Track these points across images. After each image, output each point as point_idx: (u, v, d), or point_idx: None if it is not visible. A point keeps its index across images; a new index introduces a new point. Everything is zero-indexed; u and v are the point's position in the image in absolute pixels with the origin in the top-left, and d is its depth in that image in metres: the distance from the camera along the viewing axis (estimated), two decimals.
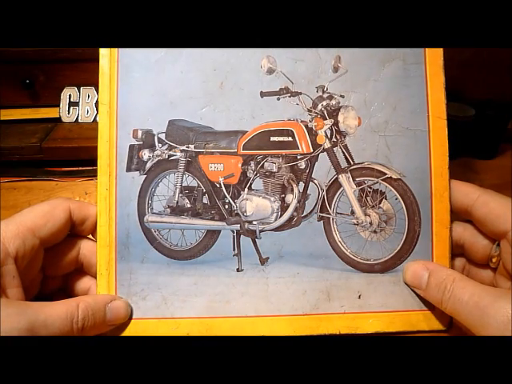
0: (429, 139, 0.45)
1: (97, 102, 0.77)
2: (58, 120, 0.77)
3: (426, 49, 0.46)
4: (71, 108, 0.77)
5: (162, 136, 0.49)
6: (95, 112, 0.77)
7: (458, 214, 0.45)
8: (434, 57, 0.45)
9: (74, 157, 0.71)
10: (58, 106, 0.77)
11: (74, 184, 0.69)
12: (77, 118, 0.77)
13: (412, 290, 0.44)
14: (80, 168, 0.71)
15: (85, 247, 0.44)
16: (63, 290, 0.46)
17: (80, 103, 0.77)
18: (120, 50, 0.47)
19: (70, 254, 0.44)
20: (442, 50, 0.45)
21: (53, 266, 0.43)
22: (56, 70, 0.77)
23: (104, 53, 0.47)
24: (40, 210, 0.41)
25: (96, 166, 0.68)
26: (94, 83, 0.76)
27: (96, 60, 0.72)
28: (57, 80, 0.77)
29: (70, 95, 0.78)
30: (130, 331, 0.42)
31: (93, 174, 0.69)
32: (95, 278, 0.44)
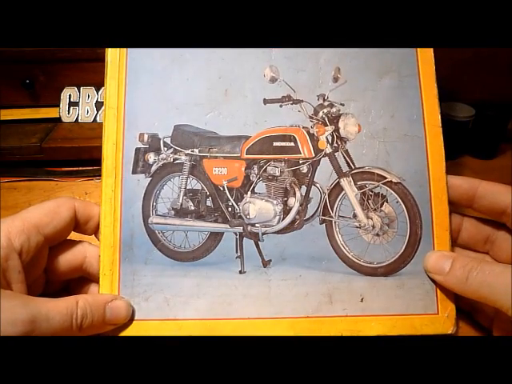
0: (426, 145, 0.47)
1: (97, 101, 0.78)
2: (58, 120, 0.77)
3: (419, 62, 0.49)
4: (71, 108, 0.78)
5: (168, 140, 0.50)
6: (95, 112, 0.78)
7: (458, 205, 0.47)
8: (427, 69, 0.48)
9: (74, 157, 0.71)
10: (58, 106, 0.78)
11: (74, 184, 0.69)
12: (77, 118, 0.77)
13: (417, 293, 0.44)
14: (80, 168, 0.72)
15: (91, 255, 0.44)
16: (67, 292, 0.46)
17: (80, 103, 0.78)
18: (128, 56, 0.48)
19: (74, 260, 0.44)
20: (433, 63, 0.49)
21: (57, 270, 0.43)
22: (56, 70, 0.77)
23: (112, 58, 0.48)
24: (45, 208, 0.42)
25: (96, 166, 0.69)
26: (94, 83, 0.78)
27: (96, 60, 0.73)
28: (57, 80, 0.78)
29: (69, 95, 0.78)
30: (131, 332, 0.42)
31: (93, 174, 0.70)
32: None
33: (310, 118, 0.49)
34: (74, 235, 0.45)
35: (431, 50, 0.49)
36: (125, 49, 0.48)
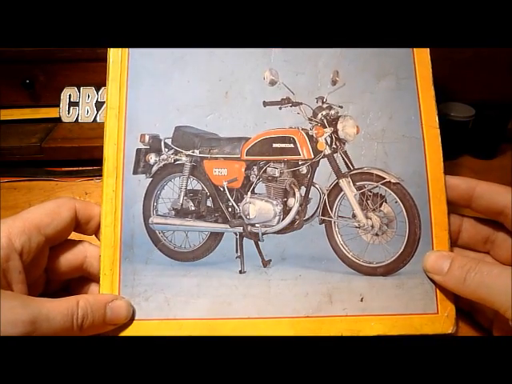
0: (424, 146, 0.48)
1: (97, 101, 0.78)
2: (58, 120, 0.77)
3: (416, 64, 0.49)
4: (71, 108, 0.77)
5: (169, 141, 0.50)
6: (95, 112, 0.78)
7: (456, 205, 0.47)
8: (424, 71, 0.49)
9: (74, 157, 0.71)
10: (58, 106, 0.77)
11: (74, 184, 0.69)
12: (77, 118, 0.77)
13: (416, 293, 0.44)
14: (80, 168, 0.72)
15: (91, 255, 0.44)
16: (67, 292, 0.46)
17: (80, 103, 0.77)
18: (130, 56, 0.48)
19: (75, 260, 0.44)
20: (430, 65, 0.49)
21: (57, 270, 0.43)
22: (56, 70, 0.77)
23: (114, 58, 0.48)
24: (46, 208, 0.42)
25: (96, 166, 0.70)
26: (94, 83, 0.78)
27: (96, 60, 0.74)
28: (57, 80, 0.77)
29: (69, 95, 0.78)
30: (132, 332, 0.42)
31: (93, 174, 0.70)
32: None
33: (309, 120, 0.49)
34: (74, 235, 0.45)
35: (427, 52, 0.49)
36: (127, 49, 0.48)
